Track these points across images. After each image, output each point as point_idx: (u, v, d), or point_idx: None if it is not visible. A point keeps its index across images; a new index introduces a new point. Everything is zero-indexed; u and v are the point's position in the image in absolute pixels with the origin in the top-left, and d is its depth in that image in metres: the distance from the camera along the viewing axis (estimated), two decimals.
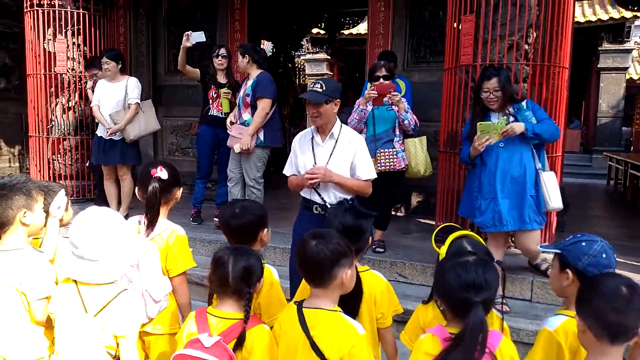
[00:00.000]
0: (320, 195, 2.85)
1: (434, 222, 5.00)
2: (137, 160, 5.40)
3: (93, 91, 5.49)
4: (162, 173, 2.27)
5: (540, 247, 1.94)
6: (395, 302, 2.21)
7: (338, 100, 2.85)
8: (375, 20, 6.11)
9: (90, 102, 5.44)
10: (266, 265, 2.18)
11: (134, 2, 7.20)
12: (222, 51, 5.22)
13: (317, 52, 16.40)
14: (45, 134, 6.08)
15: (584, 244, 1.79)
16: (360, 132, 4.41)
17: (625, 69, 14.16)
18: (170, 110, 7.43)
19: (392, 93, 4.04)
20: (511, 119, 3.44)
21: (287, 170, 2.99)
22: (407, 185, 6.00)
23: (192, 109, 6.64)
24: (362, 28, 14.32)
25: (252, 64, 4.83)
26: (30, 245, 2.11)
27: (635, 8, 8.95)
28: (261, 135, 4.74)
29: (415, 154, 4.30)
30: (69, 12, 5.84)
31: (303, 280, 2.20)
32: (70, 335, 1.82)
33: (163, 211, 2.33)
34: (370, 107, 4.28)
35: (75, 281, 1.85)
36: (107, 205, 5.30)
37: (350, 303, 1.91)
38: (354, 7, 9.44)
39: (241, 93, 4.84)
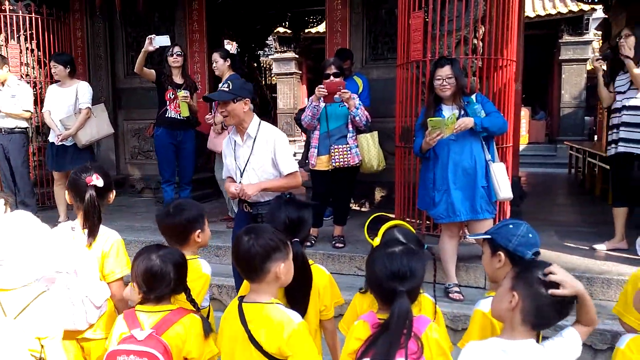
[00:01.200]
0: None
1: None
2: None
3: None
4: (97, 181, 2.23)
5: (469, 235, 2.00)
6: (337, 294, 2.25)
7: (247, 99, 2.89)
8: (332, 18, 6.15)
9: None
10: (198, 260, 2.22)
11: (90, 6, 7.08)
12: (177, 49, 5.17)
13: (285, 51, 16.37)
14: None
15: (511, 226, 1.87)
16: (314, 128, 4.46)
17: (585, 60, 14.49)
18: (131, 113, 7.36)
19: (341, 90, 4.08)
20: (461, 112, 3.52)
21: (223, 173, 3.10)
22: (370, 181, 6.08)
23: (152, 111, 6.45)
24: (321, 27, 14.39)
25: (229, 68, 5.03)
26: None
27: (594, 1, 9.17)
28: None
29: (368, 149, 4.36)
30: (20, 16, 5.76)
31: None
32: None
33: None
34: (322, 104, 4.31)
35: None
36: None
37: (300, 295, 1.96)
38: (313, 5, 9.45)
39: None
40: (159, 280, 1.84)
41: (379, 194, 6.30)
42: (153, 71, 5.18)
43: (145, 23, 7.13)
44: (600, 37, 14.87)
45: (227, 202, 5.49)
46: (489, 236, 1.92)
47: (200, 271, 2.21)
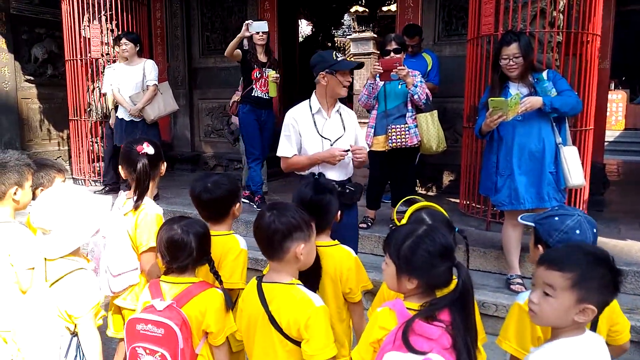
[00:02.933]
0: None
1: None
2: (158, 140, 5.53)
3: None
4: (148, 149, 2.31)
5: (520, 217, 1.82)
6: (365, 278, 2.16)
7: None
8: None
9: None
10: (234, 236, 2.19)
11: None
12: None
13: (363, 31, 16.09)
14: (84, 117, 6.32)
15: (557, 218, 1.67)
16: (372, 107, 4.32)
17: None
18: (206, 92, 7.55)
19: (398, 67, 3.89)
20: (531, 90, 3.24)
21: (287, 151, 2.79)
22: (439, 164, 5.84)
23: (226, 90, 6.69)
24: (394, 6, 13.95)
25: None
26: (15, 220, 2.20)
27: None
28: None
29: (427, 129, 4.14)
30: None
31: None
32: (30, 305, 1.88)
33: (151, 186, 2.36)
34: (380, 83, 4.15)
35: None
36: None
37: (312, 278, 1.88)
38: None
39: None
40: (181, 250, 1.84)
41: (447, 178, 6.05)
42: (240, 51, 5.11)
43: (219, 4, 7.23)
44: None
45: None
46: (533, 224, 1.74)
47: (239, 247, 2.18)
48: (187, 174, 7.33)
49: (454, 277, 1.51)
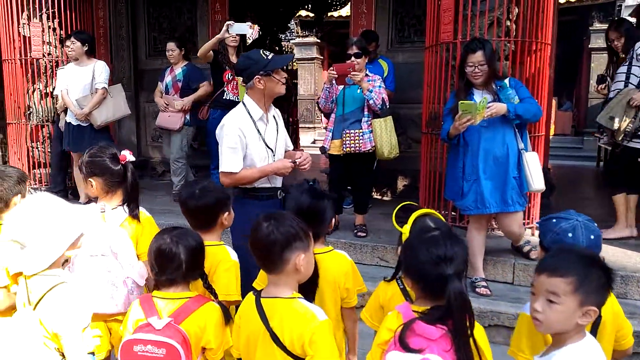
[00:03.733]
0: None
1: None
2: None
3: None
4: (130, 157, 2.19)
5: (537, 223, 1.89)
6: (360, 281, 2.14)
7: None
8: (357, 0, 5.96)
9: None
10: (224, 247, 2.12)
11: None
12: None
13: (306, 36, 16.15)
14: (23, 120, 5.94)
15: (554, 220, 1.75)
16: (331, 111, 4.34)
17: None
18: (152, 95, 7.26)
19: (351, 73, 3.92)
20: (494, 97, 3.35)
21: (235, 165, 2.61)
22: (393, 169, 5.93)
23: None
24: (344, 11, 14.14)
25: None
26: None
27: None
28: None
29: (381, 135, 4.16)
30: None
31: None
32: (14, 328, 1.73)
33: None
34: (340, 87, 4.20)
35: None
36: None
37: (308, 287, 1.83)
38: None
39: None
40: (169, 261, 1.75)
41: (401, 183, 6.16)
42: (211, 52, 4.98)
43: (167, 4, 7.02)
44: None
45: None
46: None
47: (230, 258, 2.10)
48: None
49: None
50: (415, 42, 5.94)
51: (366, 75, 4.24)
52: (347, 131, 4.20)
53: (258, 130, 2.68)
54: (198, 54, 4.91)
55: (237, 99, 4.95)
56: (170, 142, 5.62)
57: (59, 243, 1.73)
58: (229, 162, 2.62)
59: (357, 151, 4.19)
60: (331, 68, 4.15)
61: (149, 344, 1.63)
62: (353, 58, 4.16)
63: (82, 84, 5.04)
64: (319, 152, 4.69)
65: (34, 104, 5.88)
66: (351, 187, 4.57)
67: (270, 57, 2.65)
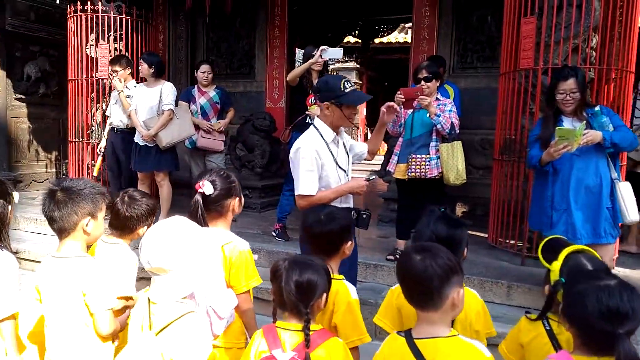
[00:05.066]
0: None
1: (485, 235, 4.79)
2: (173, 166, 5.35)
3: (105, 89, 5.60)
4: (205, 188, 2.08)
5: None
6: (490, 323, 2.00)
7: None
8: (419, 26, 5.94)
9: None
10: (344, 282, 2.02)
11: (174, 9, 7.17)
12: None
13: (346, 61, 16.28)
14: (85, 139, 6.04)
15: None
16: (399, 135, 4.27)
17: None
18: None
19: (419, 97, 3.85)
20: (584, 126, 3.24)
21: (313, 188, 2.58)
22: (451, 195, 5.80)
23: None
24: (392, 37, 14.21)
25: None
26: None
27: None
28: None
29: (447, 160, 4.05)
30: (111, 17, 5.82)
31: (386, 299, 2.04)
32: (133, 353, 1.67)
33: (222, 224, 2.17)
34: (409, 111, 4.14)
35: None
36: None
37: None
38: (392, 14, 9.27)
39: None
40: (311, 293, 1.65)
41: (459, 210, 6.01)
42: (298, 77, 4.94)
43: (226, 27, 7.13)
44: None
45: None
46: None
47: (349, 295, 1.99)
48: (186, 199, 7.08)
49: None
50: (478, 68, 5.86)
51: (437, 99, 4.17)
52: (414, 156, 4.12)
53: (331, 152, 2.65)
54: (288, 78, 4.87)
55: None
56: (210, 162, 5.69)
57: (204, 269, 1.67)
58: (307, 184, 2.57)
59: (422, 177, 4.10)
60: (399, 92, 4.09)
61: None
62: (423, 82, 4.10)
63: (149, 105, 5.09)
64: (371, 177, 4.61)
65: (97, 123, 5.99)
66: (420, 213, 4.43)
67: (347, 90, 2.60)
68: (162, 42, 7.29)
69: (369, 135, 15.80)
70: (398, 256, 4.33)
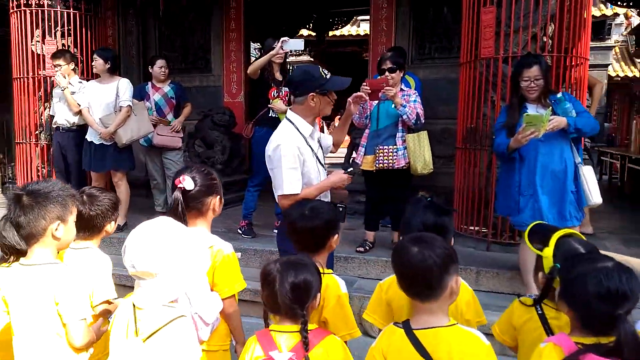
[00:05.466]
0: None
1: None
2: (130, 165, 5.18)
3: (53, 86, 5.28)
4: (186, 183, 1.97)
5: None
6: (480, 312, 1.99)
7: None
8: (377, 17, 5.96)
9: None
10: (333, 276, 1.98)
11: (124, 2, 6.90)
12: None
13: (300, 54, 16.18)
14: (33, 140, 5.74)
15: None
16: (365, 126, 4.27)
17: (607, 65, 14.31)
18: None
19: (385, 88, 3.85)
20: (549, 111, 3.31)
21: (298, 186, 2.44)
22: (413, 185, 5.85)
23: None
24: (345, 30, 14.21)
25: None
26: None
27: (625, 4, 8.97)
28: None
29: (414, 150, 4.10)
30: (58, 12, 5.52)
31: (375, 294, 2.02)
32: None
33: (202, 223, 2.07)
34: (374, 102, 4.14)
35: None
36: None
37: None
38: (347, 6, 9.26)
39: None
40: (305, 296, 1.62)
41: None
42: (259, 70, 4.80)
43: (179, 21, 6.94)
44: (628, 43, 14.82)
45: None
46: None
47: (339, 289, 1.95)
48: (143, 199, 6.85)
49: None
50: (436, 58, 5.94)
51: (401, 90, 4.19)
52: (381, 147, 4.14)
53: (311, 147, 2.54)
54: (249, 71, 4.74)
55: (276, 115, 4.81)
56: (167, 160, 5.47)
57: (194, 271, 1.59)
58: (291, 183, 2.43)
59: (390, 167, 4.13)
60: (364, 83, 4.08)
61: None
62: (387, 73, 4.10)
63: (105, 101, 4.88)
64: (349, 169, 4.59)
65: (45, 123, 5.69)
66: (388, 204, 4.44)
67: (328, 76, 2.52)
68: (111, 38, 7.01)
69: (325, 128, 15.82)
70: (368, 247, 4.34)
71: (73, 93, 5.05)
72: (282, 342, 1.61)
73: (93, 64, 4.88)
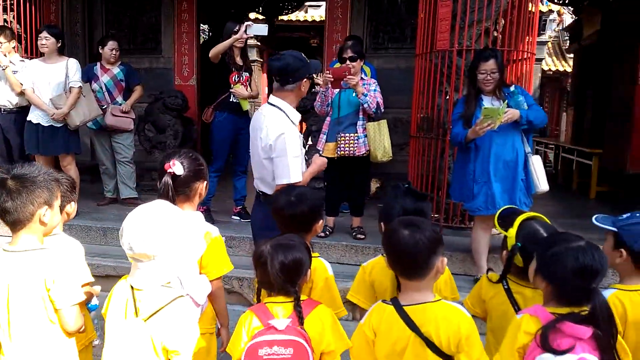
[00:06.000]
0: None
1: None
2: (79, 148, 5.05)
3: None
4: (175, 168, 1.98)
5: (596, 220, 1.95)
6: (455, 289, 2.17)
7: None
8: (333, 5, 6.01)
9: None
10: (320, 260, 2.07)
11: None
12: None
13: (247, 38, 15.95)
14: None
15: None
16: (327, 114, 4.37)
17: (541, 60, 15.07)
18: None
19: (347, 77, 3.95)
20: (498, 104, 3.50)
21: (300, 175, 2.53)
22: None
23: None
24: (293, 16, 14.16)
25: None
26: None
27: (561, 1, 9.50)
28: None
29: (374, 138, 4.23)
30: None
31: (359, 276, 2.12)
32: (118, 341, 1.60)
33: (189, 208, 2.08)
34: (335, 90, 4.23)
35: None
36: None
37: None
38: None
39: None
40: (296, 274, 1.71)
41: (374, 186, 6.25)
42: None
43: (128, 0, 6.71)
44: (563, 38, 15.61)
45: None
46: (615, 229, 1.89)
47: (327, 271, 2.06)
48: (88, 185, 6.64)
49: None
50: (389, 48, 6.08)
51: (361, 79, 4.29)
52: (343, 135, 4.24)
53: (300, 134, 2.65)
54: (210, 55, 4.64)
55: (237, 100, 4.79)
56: (117, 143, 5.32)
57: (191, 252, 1.62)
58: (297, 171, 2.49)
59: (351, 154, 4.23)
60: (327, 71, 4.15)
61: (274, 344, 1.58)
62: (348, 62, 4.19)
63: (54, 82, 4.68)
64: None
65: None
66: (347, 190, 4.56)
67: (308, 60, 2.63)
68: (53, 14, 6.67)
69: None
70: (328, 232, 4.44)
71: (15, 72, 4.81)
72: (278, 311, 1.70)
73: (43, 42, 4.65)
